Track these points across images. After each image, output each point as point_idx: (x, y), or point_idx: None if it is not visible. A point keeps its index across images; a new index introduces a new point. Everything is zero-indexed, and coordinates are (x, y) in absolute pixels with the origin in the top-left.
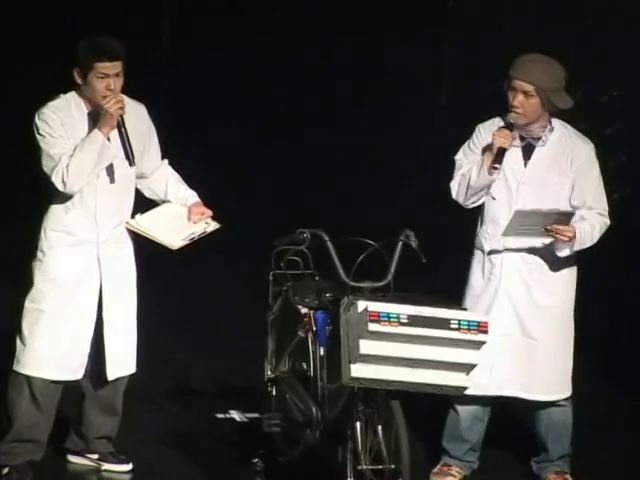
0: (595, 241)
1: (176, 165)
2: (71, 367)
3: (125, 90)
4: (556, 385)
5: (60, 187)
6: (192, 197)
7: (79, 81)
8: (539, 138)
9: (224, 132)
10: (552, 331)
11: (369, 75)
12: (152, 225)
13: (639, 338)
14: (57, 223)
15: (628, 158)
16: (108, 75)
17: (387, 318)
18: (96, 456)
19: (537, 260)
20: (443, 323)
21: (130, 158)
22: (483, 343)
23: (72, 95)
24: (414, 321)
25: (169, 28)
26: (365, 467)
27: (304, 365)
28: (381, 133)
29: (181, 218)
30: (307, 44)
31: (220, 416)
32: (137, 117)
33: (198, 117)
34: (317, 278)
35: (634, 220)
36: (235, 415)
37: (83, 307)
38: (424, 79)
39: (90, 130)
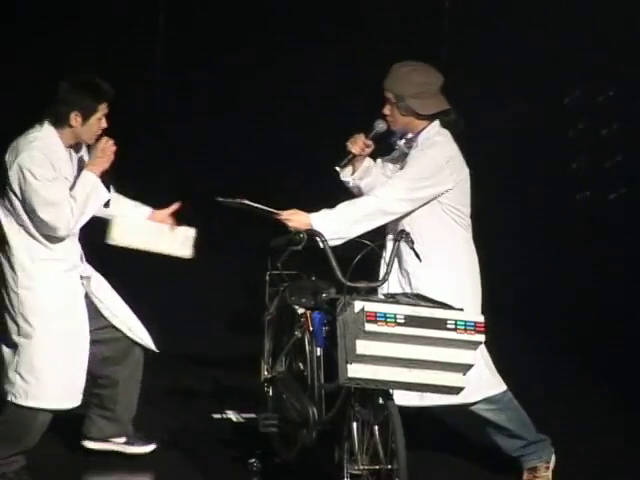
0: (358, 222)
1: (174, 165)
2: (75, 393)
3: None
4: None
5: (63, 233)
6: (146, 208)
7: (74, 123)
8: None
9: (222, 132)
10: None
11: (367, 76)
12: (140, 238)
13: (636, 338)
14: (50, 252)
15: (624, 158)
16: (105, 115)
17: (384, 318)
18: (123, 439)
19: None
20: (440, 323)
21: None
22: (480, 343)
23: (48, 131)
24: (411, 321)
25: (165, 32)
26: (362, 467)
27: (301, 365)
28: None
29: (151, 225)
30: (305, 42)
31: (217, 416)
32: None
33: (196, 118)
34: (313, 278)
35: (631, 220)
36: (232, 415)
37: (80, 332)
38: None
39: (74, 166)
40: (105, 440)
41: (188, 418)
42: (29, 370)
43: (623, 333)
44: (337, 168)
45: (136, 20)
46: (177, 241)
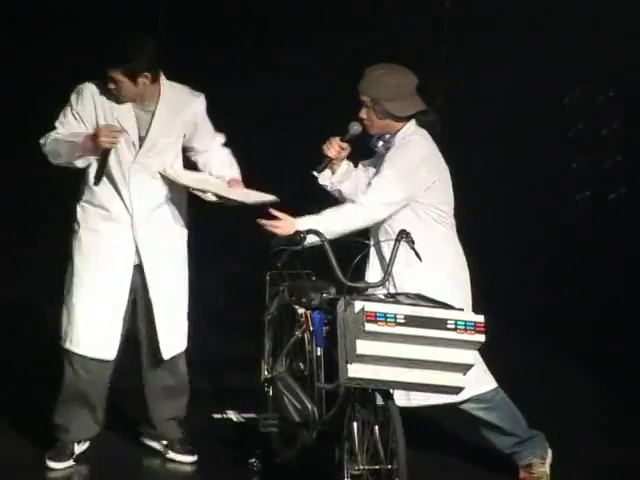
0: (343, 229)
1: None
2: (102, 345)
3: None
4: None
5: (42, 149)
6: (229, 175)
7: None
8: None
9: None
10: None
11: None
12: (204, 184)
13: (636, 338)
14: (93, 198)
15: (624, 158)
16: (112, 79)
17: (384, 318)
18: (165, 442)
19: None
20: (440, 323)
21: (96, 178)
22: (480, 343)
23: None
24: (411, 321)
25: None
26: (362, 467)
27: (301, 365)
28: None
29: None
30: (305, 42)
31: (217, 416)
32: (185, 108)
33: None
34: (314, 278)
35: (631, 220)
36: (232, 415)
37: (115, 286)
38: (420, 80)
39: (142, 121)
40: (153, 438)
41: (188, 418)
42: (63, 310)
43: (623, 333)
44: (314, 173)
45: (136, 21)
46: (253, 193)
